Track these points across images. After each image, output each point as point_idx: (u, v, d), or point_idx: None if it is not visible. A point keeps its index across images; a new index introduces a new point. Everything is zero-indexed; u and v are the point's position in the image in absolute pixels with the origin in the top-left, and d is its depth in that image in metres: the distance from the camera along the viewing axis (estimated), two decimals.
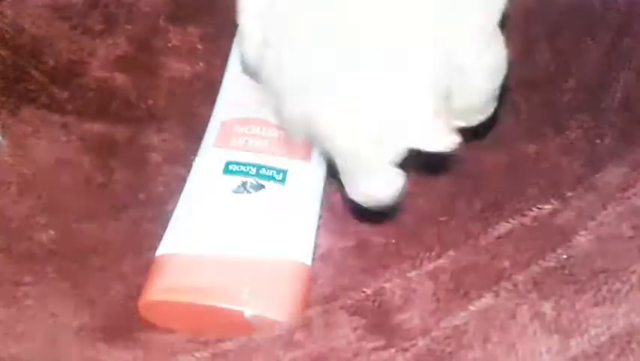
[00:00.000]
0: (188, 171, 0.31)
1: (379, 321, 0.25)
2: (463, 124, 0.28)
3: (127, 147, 0.34)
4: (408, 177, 0.26)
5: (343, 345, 0.25)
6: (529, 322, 0.23)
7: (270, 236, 0.28)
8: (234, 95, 0.33)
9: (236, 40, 0.35)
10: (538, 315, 0.23)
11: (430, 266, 0.27)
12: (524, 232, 0.27)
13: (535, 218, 0.27)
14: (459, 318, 0.24)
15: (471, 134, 0.28)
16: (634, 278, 0.23)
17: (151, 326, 0.28)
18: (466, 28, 0.26)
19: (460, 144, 0.26)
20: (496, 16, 0.26)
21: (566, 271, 0.24)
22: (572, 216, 0.26)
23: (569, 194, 0.28)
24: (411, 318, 0.25)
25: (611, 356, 0.22)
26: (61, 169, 0.33)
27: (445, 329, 0.24)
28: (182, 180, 0.31)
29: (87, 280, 0.29)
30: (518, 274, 0.25)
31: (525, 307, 0.24)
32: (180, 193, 0.30)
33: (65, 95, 0.35)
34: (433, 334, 0.24)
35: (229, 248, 0.28)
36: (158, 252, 0.29)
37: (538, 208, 0.27)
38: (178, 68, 0.37)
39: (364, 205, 0.26)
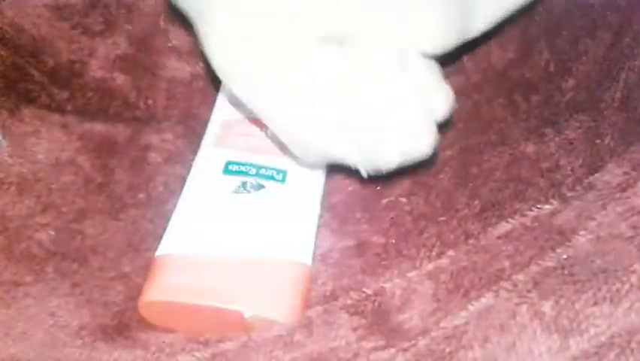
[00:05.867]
0: (188, 171, 0.31)
1: (379, 321, 0.25)
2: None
3: (127, 147, 0.34)
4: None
5: (343, 345, 0.25)
6: (529, 321, 0.23)
7: (269, 236, 0.29)
8: (234, 95, 0.33)
9: None
10: (537, 315, 0.23)
11: (430, 266, 0.27)
12: (524, 232, 0.27)
13: (535, 218, 0.27)
14: (459, 318, 0.24)
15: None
16: (633, 278, 0.23)
17: (151, 326, 0.28)
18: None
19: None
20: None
21: (566, 271, 0.24)
22: (572, 216, 0.26)
23: (569, 194, 0.28)
24: (411, 318, 0.25)
25: (611, 356, 0.22)
26: (61, 169, 0.33)
27: (445, 329, 0.24)
28: (182, 180, 0.31)
29: (87, 280, 0.29)
30: (518, 274, 0.25)
31: (525, 306, 0.24)
32: (180, 193, 0.30)
33: (65, 95, 0.35)
34: (433, 334, 0.24)
35: (229, 248, 0.28)
36: (158, 252, 0.29)
37: (538, 208, 0.27)
38: (178, 68, 0.37)
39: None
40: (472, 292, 0.25)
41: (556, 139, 0.32)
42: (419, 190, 0.32)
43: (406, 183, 0.32)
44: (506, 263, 0.26)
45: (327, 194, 0.31)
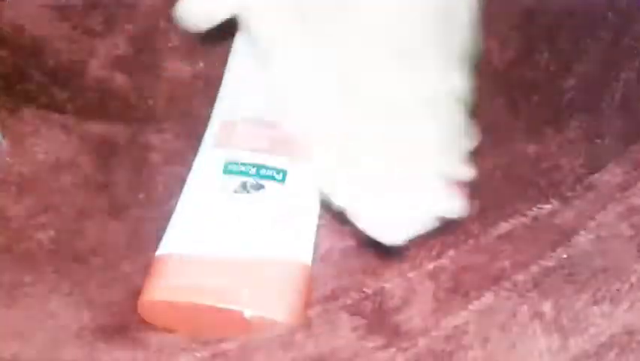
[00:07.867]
0: (188, 171, 0.31)
1: (379, 321, 0.25)
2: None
3: (127, 147, 0.34)
4: None
5: (343, 345, 0.25)
6: (529, 321, 0.23)
7: (269, 236, 0.28)
8: (234, 95, 0.33)
9: (236, 39, 0.35)
10: (537, 314, 0.23)
11: (430, 266, 0.27)
12: (524, 232, 0.27)
13: (535, 218, 0.27)
14: (459, 318, 0.24)
15: None
16: (633, 278, 0.23)
17: (151, 326, 0.28)
18: None
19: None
20: None
21: (566, 271, 0.24)
22: (572, 216, 0.26)
23: (569, 194, 0.28)
24: (411, 318, 0.25)
25: (611, 356, 0.22)
26: (61, 169, 0.33)
27: (445, 328, 0.24)
28: (182, 180, 0.31)
29: (87, 280, 0.29)
30: (518, 274, 0.25)
31: (525, 306, 0.24)
32: (180, 193, 0.30)
33: (65, 95, 0.35)
34: (433, 334, 0.24)
35: (229, 248, 0.28)
36: (158, 252, 0.29)
37: (538, 208, 0.27)
38: (178, 68, 0.37)
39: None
40: (472, 292, 0.25)
41: (556, 139, 0.32)
42: None
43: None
44: (506, 263, 0.26)
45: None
